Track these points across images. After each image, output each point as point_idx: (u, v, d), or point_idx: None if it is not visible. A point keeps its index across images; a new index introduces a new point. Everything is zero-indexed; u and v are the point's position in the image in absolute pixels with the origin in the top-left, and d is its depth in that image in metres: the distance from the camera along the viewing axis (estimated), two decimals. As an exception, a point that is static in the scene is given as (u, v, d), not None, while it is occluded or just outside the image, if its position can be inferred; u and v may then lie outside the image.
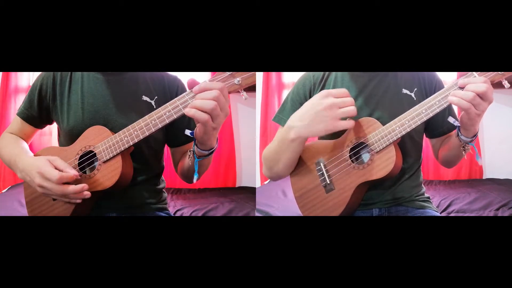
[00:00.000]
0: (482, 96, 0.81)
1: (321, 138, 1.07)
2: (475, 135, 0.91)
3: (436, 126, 1.03)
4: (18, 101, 2.12)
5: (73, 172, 0.84)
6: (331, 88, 1.02)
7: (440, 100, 0.87)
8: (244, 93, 0.83)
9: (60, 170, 0.84)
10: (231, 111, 2.21)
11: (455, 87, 0.85)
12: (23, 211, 1.53)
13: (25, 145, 1.01)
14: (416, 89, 1.00)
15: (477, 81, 0.82)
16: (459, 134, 0.91)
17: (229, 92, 0.80)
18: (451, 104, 0.85)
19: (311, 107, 0.87)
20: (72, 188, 0.83)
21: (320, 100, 0.86)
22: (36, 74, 1.05)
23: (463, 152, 0.94)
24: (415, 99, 0.99)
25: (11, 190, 1.93)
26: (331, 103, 0.84)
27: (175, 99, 0.83)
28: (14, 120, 1.05)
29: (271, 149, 1.01)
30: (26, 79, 2.14)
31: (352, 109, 0.86)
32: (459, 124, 0.90)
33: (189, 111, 0.77)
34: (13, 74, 2.12)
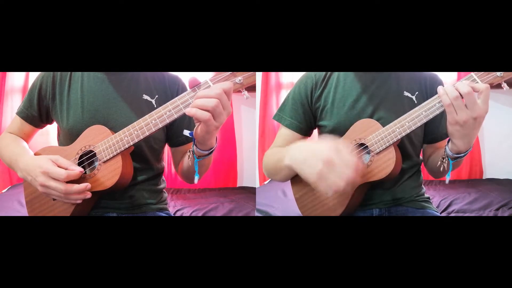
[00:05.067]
0: (464, 97, 0.79)
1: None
2: (460, 155, 0.87)
3: (431, 132, 1.03)
4: (13, 101, 2.12)
5: (78, 169, 0.84)
6: (333, 88, 1.02)
7: (440, 101, 0.86)
8: (246, 92, 0.83)
9: (64, 169, 0.84)
10: (232, 111, 2.21)
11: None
12: (23, 211, 1.53)
13: (25, 145, 1.01)
14: (417, 92, 1.00)
15: (463, 84, 0.80)
16: (447, 145, 0.89)
17: None
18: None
19: (315, 150, 0.77)
20: (76, 187, 0.83)
21: (329, 150, 0.75)
22: (33, 73, 1.05)
23: (439, 162, 0.91)
24: (416, 102, 0.99)
25: (11, 190, 1.93)
26: (334, 163, 0.73)
27: (176, 98, 0.83)
28: (14, 120, 1.05)
29: (271, 160, 1.02)
30: (20, 79, 2.13)
31: (340, 185, 0.73)
32: None
33: (190, 111, 0.76)
34: (8, 73, 2.12)
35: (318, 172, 0.74)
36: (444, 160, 0.90)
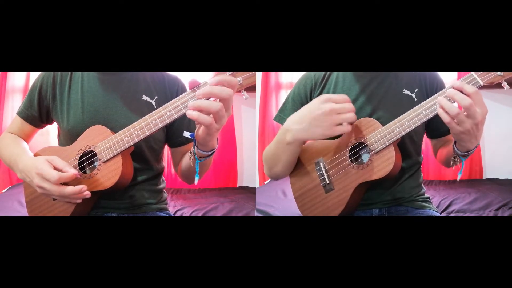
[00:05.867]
0: (466, 110, 0.79)
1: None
2: (469, 152, 0.88)
3: (437, 127, 1.03)
4: (14, 101, 2.12)
5: (72, 171, 0.84)
6: (332, 88, 1.02)
7: (440, 100, 0.86)
8: (245, 92, 0.83)
9: (59, 170, 0.84)
10: (232, 111, 2.21)
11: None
12: (23, 211, 1.53)
13: (25, 145, 1.01)
14: (417, 89, 1.00)
15: (467, 90, 0.79)
16: (454, 144, 0.90)
17: None
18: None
19: (310, 110, 0.86)
20: (70, 189, 0.83)
21: (320, 104, 0.84)
22: (34, 73, 1.05)
23: (451, 162, 0.93)
24: (416, 99, 0.99)
25: (11, 190, 1.93)
26: (330, 108, 0.83)
27: (176, 98, 0.83)
28: (14, 120, 1.05)
29: (270, 150, 1.01)
30: (21, 79, 2.13)
31: (351, 116, 0.85)
32: None
33: (192, 114, 0.74)
34: (9, 73, 2.12)
35: (325, 128, 0.84)
36: (456, 159, 0.92)
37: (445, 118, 0.81)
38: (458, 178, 0.94)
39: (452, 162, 0.93)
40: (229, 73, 0.81)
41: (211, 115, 0.74)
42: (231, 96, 0.74)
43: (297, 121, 0.88)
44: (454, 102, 0.82)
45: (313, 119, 0.84)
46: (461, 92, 0.80)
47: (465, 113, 0.79)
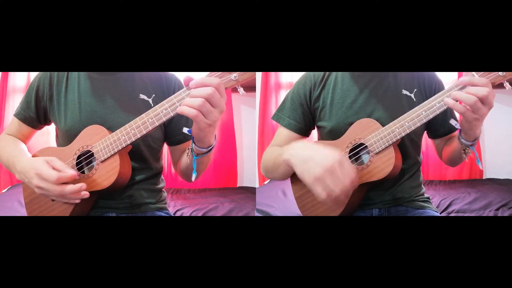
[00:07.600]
0: (482, 100, 0.79)
1: (320, 139, 1.07)
2: (476, 139, 0.90)
3: (438, 127, 1.03)
4: (15, 101, 2.12)
5: (71, 172, 0.84)
6: (331, 88, 1.02)
7: (440, 101, 0.86)
8: (241, 89, 0.83)
9: (58, 171, 0.84)
10: (233, 111, 2.21)
11: (455, 88, 0.85)
12: (23, 211, 1.53)
13: (23, 146, 1.01)
14: (416, 90, 1.00)
15: (479, 83, 0.80)
16: (460, 137, 0.91)
17: (226, 88, 0.80)
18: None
19: (319, 154, 0.79)
20: (70, 188, 0.83)
21: (333, 159, 0.77)
22: (34, 73, 1.05)
23: (464, 155, 0.94)
24: (414, 100, 0.99)
25: (11, 190, 1.93)
26: (335, 172, 0.76)
27: (172, 96, 0.83)
28: (12, 121, 1.05)
29: (270, 157, 1.02)
30: (22, 79, 2.13)
31: (338, 195, 0.76)
32: (459, 127, 0.89)
33: (179, 108, 0.77)
34: (10, 73, 2.12)
35: (316, 176, 0.76)
36: (467, 150, 0.93)
37: (460, 108, 0.81)
38: (481, 167, 0.96)
39: (463, 154, 0.94)
40: (219, 72, 0.80)
41: (195, 109, 0.75)
42: (211, 94, 0.75)
43: (302, 151, 0.82)
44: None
45: (313, 163, 0.78)
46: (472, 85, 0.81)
47: (481, 100, 0.80)
